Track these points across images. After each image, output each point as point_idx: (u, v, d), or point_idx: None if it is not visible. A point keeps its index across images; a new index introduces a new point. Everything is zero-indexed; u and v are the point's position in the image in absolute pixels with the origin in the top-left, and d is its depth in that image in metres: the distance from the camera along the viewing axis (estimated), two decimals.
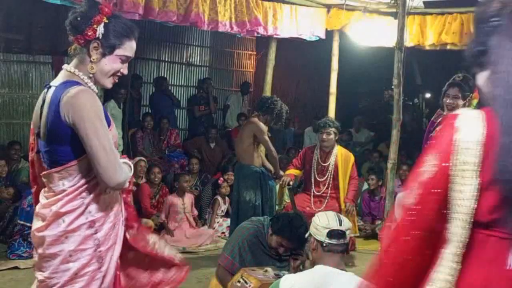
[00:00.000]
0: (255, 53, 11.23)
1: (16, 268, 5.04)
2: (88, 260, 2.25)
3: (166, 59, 10.08)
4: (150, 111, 8.88)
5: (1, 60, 7.89)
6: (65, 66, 2.33)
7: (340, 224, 2.77)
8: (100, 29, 2.27)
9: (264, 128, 5.51)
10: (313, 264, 2.79)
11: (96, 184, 2.27)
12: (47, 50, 8.45)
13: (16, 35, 8.20)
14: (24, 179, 6.72)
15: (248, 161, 5.55)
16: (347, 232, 2.77)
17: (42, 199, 2.34)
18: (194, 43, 10.45)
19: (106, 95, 6.72)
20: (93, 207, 2.27)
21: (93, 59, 2.29)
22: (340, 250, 2.75)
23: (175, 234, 6.32)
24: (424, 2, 5.83)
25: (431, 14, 6.04)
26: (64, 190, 2.25)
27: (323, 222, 2.78)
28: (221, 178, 6.98)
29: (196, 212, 6.82)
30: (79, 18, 2.27)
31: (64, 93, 2.19)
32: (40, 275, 2.30)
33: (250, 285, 3.32)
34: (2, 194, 5.91)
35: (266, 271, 3.47)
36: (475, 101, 4.30)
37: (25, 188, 6.04)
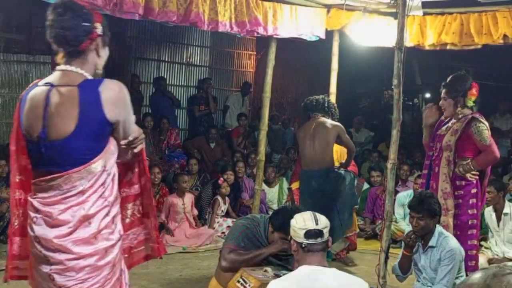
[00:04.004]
0: (255, 53, 11.23)
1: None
2: (118, 249, 2.34)
3: (166, 59, 10.07)
4: (150, 111, 8.87)
5: (1, 60, 7.90)
6: (67, 67, 2.27)
7: (317, 224, 2.81)
8: (99, 27, 2.30)
9: None
10: (297, 266, 2.81)
11: (110, 180, 2.28)
12: (47, 50, 8.43)
13: (16, 35, 8.20)
14: None
15: (331, 164, 5.32)
16: (325, 231, 2.81)
17: (48, 206, 2.20)
18: (194, 43, 10.45)
19: None
20: (113, 203, 2.30)
21: (101, 55, 2.35)
22: (320, 249, 2.78)
23: (175, 234, 6.32)
24: (422, 2, 5.82)
25: (430, 14, 6.04)
26: (83, 191, 2.20)
27: (300, 224, 2.83)
28: (221, 178, 6.98)
29: (196, 212, 6.81)
30: (82, 23, 2.24)
31: (103, 89, 2.20)
32: (66, 281, 2.19)
33: (249, 285, 3.33)
34: (2, 194, 5.90)
35: (265, 271, 3.47)
36: (472, 98, 4.31)
37: None
